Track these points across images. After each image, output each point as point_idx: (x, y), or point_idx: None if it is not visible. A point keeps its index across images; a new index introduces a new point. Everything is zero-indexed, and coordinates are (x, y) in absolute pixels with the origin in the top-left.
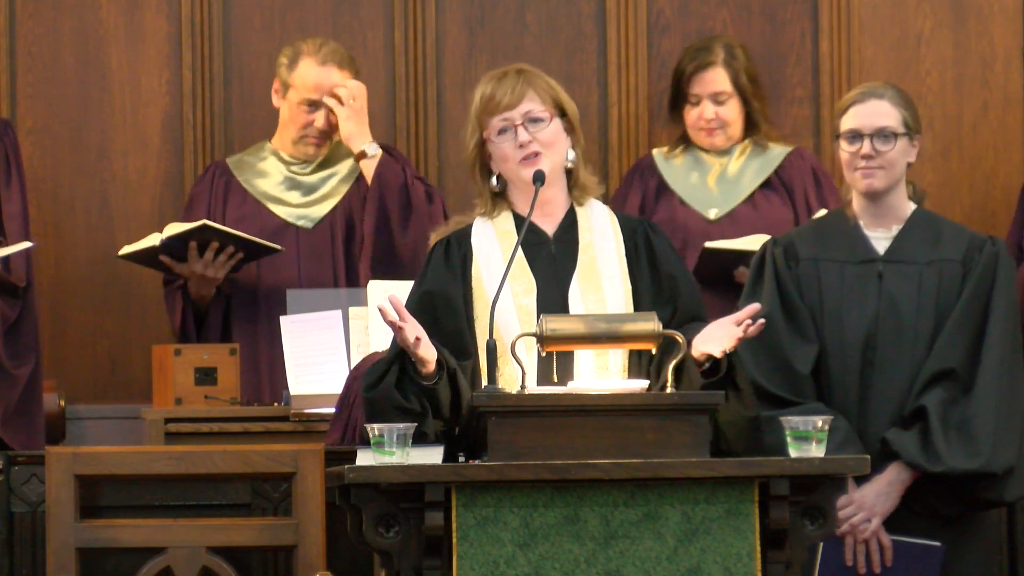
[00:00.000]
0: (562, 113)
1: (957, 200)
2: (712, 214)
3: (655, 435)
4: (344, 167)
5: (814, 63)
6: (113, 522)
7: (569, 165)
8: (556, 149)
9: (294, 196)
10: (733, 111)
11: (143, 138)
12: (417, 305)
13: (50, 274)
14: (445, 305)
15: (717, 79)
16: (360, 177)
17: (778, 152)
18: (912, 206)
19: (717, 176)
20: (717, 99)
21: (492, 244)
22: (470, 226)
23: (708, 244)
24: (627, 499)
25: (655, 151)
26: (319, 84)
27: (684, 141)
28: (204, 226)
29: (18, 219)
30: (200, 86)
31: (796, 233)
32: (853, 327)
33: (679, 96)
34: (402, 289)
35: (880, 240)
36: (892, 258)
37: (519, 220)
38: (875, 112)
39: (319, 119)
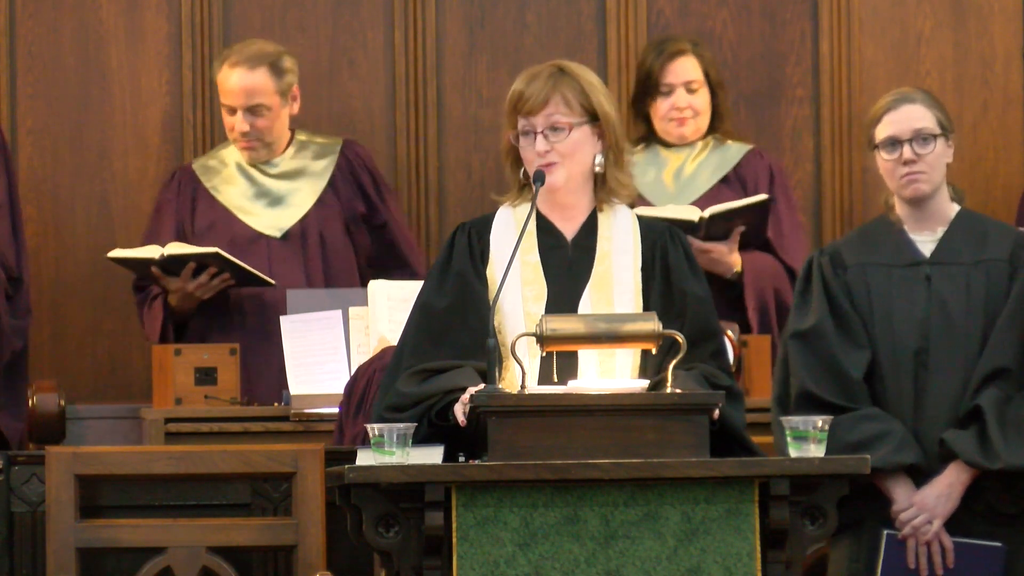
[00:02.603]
0: (594, 117)
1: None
2: None
3: (655, 435)
4: (311, 175)
5: (814, 63)
6: (113, 522)
7: (597, 169)
8: (577, 158)
9: (260, 205)
10: (704, 101)
11: (143, 138)
12: (455, 290)
13: (50, 274)
14: (473, 302)
15: (689, 67)
16: (332, 182)
17: (737, 149)
18: (955, 207)
19: (674, 172)
20: (690, 87)
21: (510, 245)
22: (491, 218)
23: (638, 211)
24: (627, 499)
25: None
26: (231, 88)
27: (645, 140)
28: (215, 254)
29: (5, 210)
30: (200, 86)
31: (842, 241)
32: (904, 331)
33: (647, 90)
34: (402, 290)
35: (925, 243)
36: (938, 260)
37: (541, 219)
38: (910, 116)
39: (238, 123)
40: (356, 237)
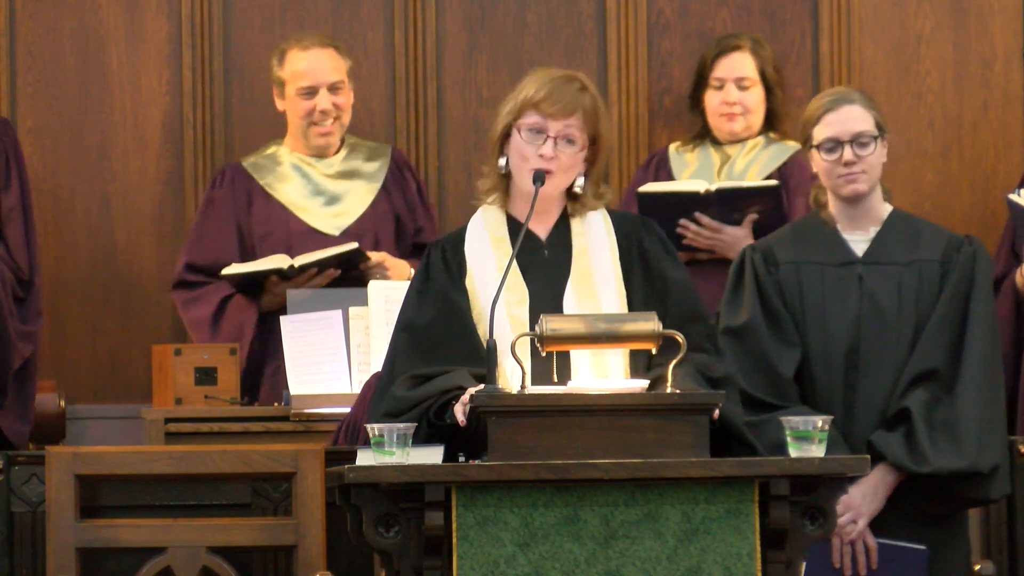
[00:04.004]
0: (593, 140)
1: (957, 200)
2: None
3: (655, 435)
4: (365, 176)
5: (814, 63)
6: (113, 522)
7: (576, 190)
8: (570, 174)
9: (317, 203)
10: (756, 99)
11: (143, 138)
12: (437, 306)
13: (50, 274)
14: (457, 316)
15: (743, 64)
16: (385, 186)
17: (788, 148)
18: (888, 208)
19: (725, 173)
20: (741, 84)
21: (487, 254)
22: (463, 232)
23: (641, 188)
24: (627, 499)
25: (671, 145)
26: (309, 68)
27: (701, 137)
28: (356, 250)
29: (18, 214)
30: (200, 86)
31: (774, 238)
32: (836, 330)
33: (700, 82)
34: (401, 291)
35: (858, 242)
36: (871, 260)
37: (511, 222)
38: (850, 118)
39: (321, 101)
40: (401, 241)
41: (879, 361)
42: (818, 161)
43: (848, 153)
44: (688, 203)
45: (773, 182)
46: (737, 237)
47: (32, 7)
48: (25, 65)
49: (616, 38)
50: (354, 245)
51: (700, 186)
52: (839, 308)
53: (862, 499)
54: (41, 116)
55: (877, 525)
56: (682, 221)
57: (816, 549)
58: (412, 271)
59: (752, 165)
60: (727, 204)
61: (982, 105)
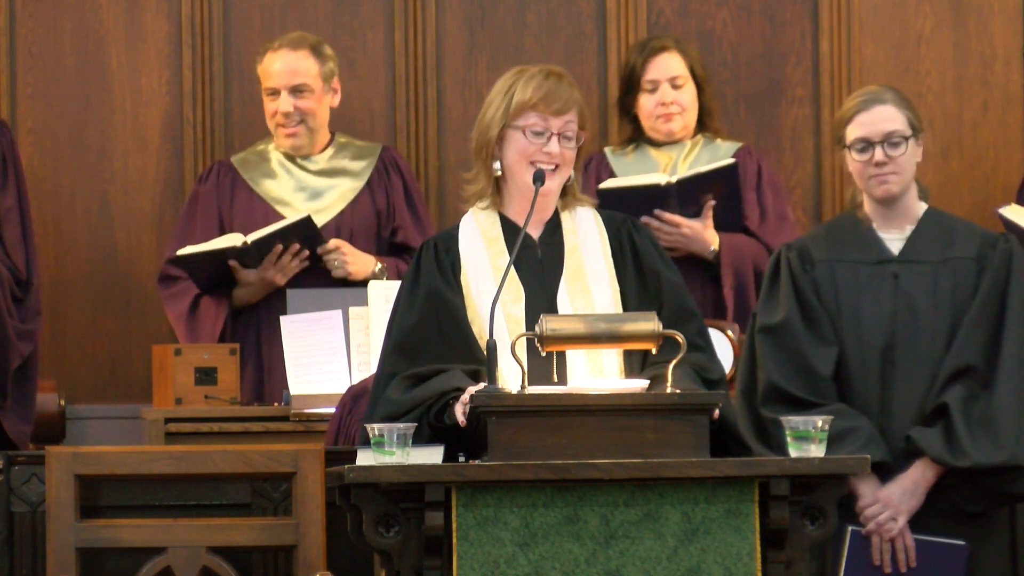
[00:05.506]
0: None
1: (957, 200)
2: None
3: (655, 435)
4: (350, 174)
5: (814, 63)
6: (113, 522)
7: (568, 182)
8: (569, 169)
9: (299, 198)
10: (690, 96)
11: (143, 138)
12: (425, 305)
13: (50, 274)
14: (448, 313)
15: (673, 63)
16: (369, 181)
17: (727, 148)
18: (923, 206)
19: (668, 172)
20: (674, 83)
21: (480, 252)
22: (456, 231)
23: (602, 185)
24: (627, 499)
25: (606, 148)
26: (277, 71)
27: (633, 140)
28: (309, 223)
29: (15, 214)
30: (200, 86)
31: (809, 237)
32: (871, 328)
33: (631, 87)
34: None
35: (893, 241)
36: (906, 258)
37: (505, 222)
38: (882, 118)
39: (282, 103)
40: (380, 240)
41: (915, 359)
42: (850, 161)
43: (879, 153)
44: (650, 197)
45: (730, 160)
46: (697, 230)
47: (32, 7)
48: (25, 65)
49: (616, 38)
50: (305, 215)
51: (661, 179)
52: (874, 306)
53: (901, 496)
54: (41, 116)
55: (915, 523)
56: (643, 219)
57: (856, 547)
58: (378, 266)
59: (695, 167)
60: (687, 195)
61: (982, 105)
